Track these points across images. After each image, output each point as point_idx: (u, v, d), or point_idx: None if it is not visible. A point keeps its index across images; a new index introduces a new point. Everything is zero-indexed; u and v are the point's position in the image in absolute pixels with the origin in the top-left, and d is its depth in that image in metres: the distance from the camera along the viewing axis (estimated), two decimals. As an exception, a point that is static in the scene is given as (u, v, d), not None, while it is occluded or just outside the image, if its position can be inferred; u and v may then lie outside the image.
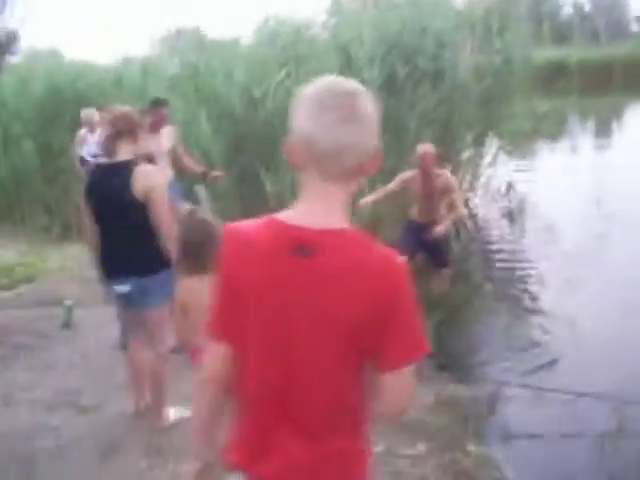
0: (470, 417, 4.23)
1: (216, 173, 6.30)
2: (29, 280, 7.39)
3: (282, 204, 7.36)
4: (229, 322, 1.51)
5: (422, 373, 4.11)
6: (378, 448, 3.48)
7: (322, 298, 1.39)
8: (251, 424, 1.53)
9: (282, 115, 8.03)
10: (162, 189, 3.51)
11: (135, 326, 3.76)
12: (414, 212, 6.27)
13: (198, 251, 2.92)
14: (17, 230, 10.96)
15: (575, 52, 29.11)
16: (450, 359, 5.00)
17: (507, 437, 4.09)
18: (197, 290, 2.95)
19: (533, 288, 6.76)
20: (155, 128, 5.49)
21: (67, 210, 11.14)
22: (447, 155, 9.20)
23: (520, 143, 11.24)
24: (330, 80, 1.43)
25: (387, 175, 7.20)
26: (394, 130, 7.27)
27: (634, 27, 51.61)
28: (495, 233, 9.23)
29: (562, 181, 11.45)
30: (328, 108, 1.37)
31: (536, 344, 5.36)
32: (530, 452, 3.92)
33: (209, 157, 7.47)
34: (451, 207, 6.02)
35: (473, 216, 9.67)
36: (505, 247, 8.41)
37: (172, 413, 3.86)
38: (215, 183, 6.44)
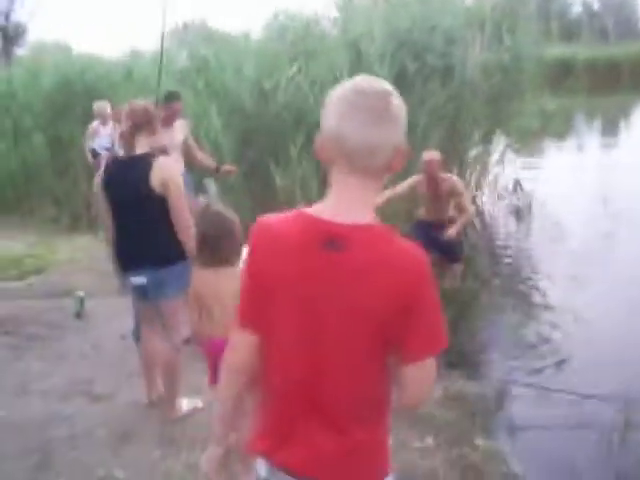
0: (478, 412, 4.27)
1: (228, 167, 6.33)
2: (39, 271, 7.45)
3: (291, 198, 7.45)
4: (257, 313, 1.55)
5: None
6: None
7: (351, 292, 1.43)
8: (277, 413, 1.57)
9: (292, 110, 8.10)
10: (179, 182, 3.55)
11: (149, 317, 3.80)
12: (422, 212, 6.35)
13: (215, 244, 2.95)
14: (26, 222, 11.02)
15: (583, 51, 29.05)
16: (458, 356, 5.04)
17: (514, 432, 4.12)
18: (211, 282, 2.99)
19: (540, 286, 6.80)
20: (168, 122, 5.51)
21: (76, 202, 11.23)
22: (455, 152, 9.25)
23: (528, 141, 11.24)
24: (361, 80, 1.47)
25: (398, 175, 7.26)
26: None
27: (643, 26, 51.46)
28: (502, 230, 9.26)
29: (569, 179, 11.49)
30: (359, 107, 1.41)
31: (543, 341, 5.39)
32: (537, 446, 3.95)
33: (219, 151, 7.50)
34: (461, 210, 6.08)
35: (480, 213, 9.70)
36: (512, 244, 8.44)
37: (185, 404, 3.91)
38: (227, 177, 6.48)
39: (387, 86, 1.46)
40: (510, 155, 10.49)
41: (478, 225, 9.06)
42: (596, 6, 55.88)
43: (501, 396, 4.47)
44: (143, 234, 3.57)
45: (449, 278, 6.29)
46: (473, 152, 9.84)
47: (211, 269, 2.98)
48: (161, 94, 5.40)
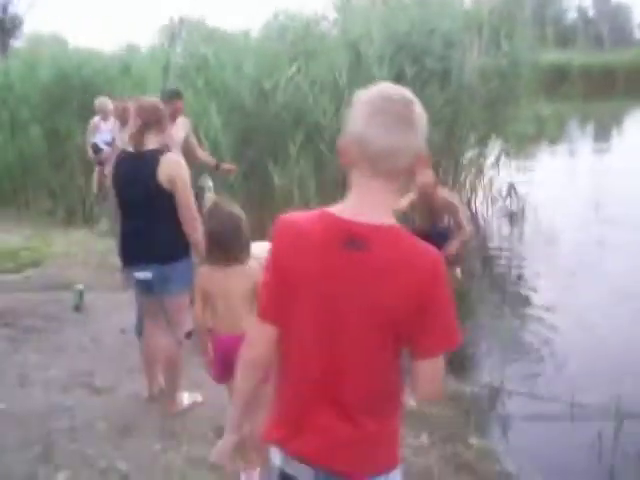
0: (472, 411, 4.36)
1: (228, 166, 6.39)
2: (35, 264, 7.46)
3: (289, 197, 7.51)
4: (278, 307, 1.61)
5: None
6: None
7: (372, 290, 1.49)
8: (292, 404, 1.63)
9: (291, 109, 8.16)
10: (186, 178, 3.59)
11: (153, 312, 3.85)
12: (418, 221, 6.41)
13: (224, 242, 2.99)
14: (21, 214, 11.04)
15: (578, 57, 29.22)
16: (453, 357, 5.11)
17: (507, 431, 4.21)
18: (217, 280, 3.04)
19: (532, 289, 6.90)
20: (170, 119, 5.56)
21: (72, 195, 11.25)
22: (451, 155, 9.34)
23: (523, 145, 11.34)
24: (385, 87, 1.53)
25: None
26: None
27: (637, 34, 51.74)
28: (495, 233, 9.35)
29: (563, 184, 11.62)
30: (383, 112, 1.47)
31: (535, 343, 5.49)
32: (530, 445, 4.03)
33: (219, 149, 7.55)
34: (458, 227, 6.13)
35: (474, 216, 9.80)
36: (505, 248, 8.53)
37: (185, 398, 3.97)
38: (227, 175, 6.53)
39: (410, 94, 1.52)
40: (505, 159, 10.58)
41: (471, 228, 9.12)
42: (591, 13, 56.21)
43: (495, 396, 4.56)
44: (149, 230, 3.62)
45: (451, 279, 6.35)
46: (469, 155, 9.93)
47: (220, 267, 3.02)
48: (165, 92, 5.44)
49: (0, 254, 7.79)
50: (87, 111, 11.22)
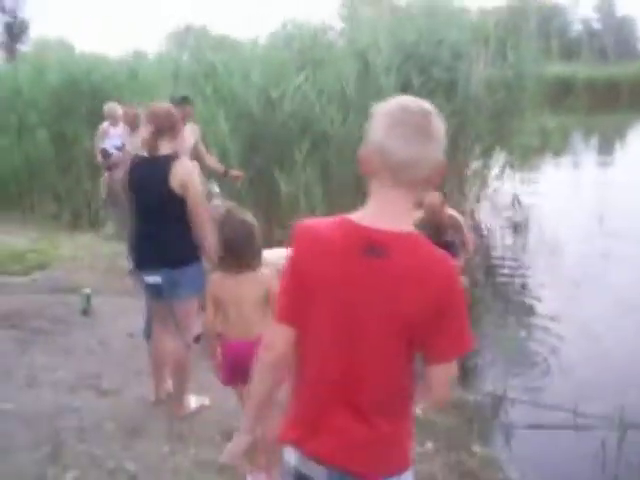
0: (475, 420, 4.40)
1: (236, 173, 6.45)
2: (42, 267, 7.51)
3: (296, 204, 7.56)
4: (297, 311, 1.65)
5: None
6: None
7: (391, 297, 1.54)
8: (309, 406, 1.67)
9: (298, 118, 8.22)
10: (198, 183, 3.63)
11: (162, 316, 3.89)
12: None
13: (236, 250, 3.03)
14: (26, 218, 11.11)
15: (583, 69, 29.31)
16: (457, 366, 5.15)
17: (510, 439, 4.24)
18: (229, 286, 3.07)
19: (536, 299, 6.94)
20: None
21: (77, 199, 11.32)
22: (456, 166, 9.39)
23: (528, 157, 11.40)
24: (404, 99, 1.58)
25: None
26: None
27: (642, 47, 51.93)
28: (499, 244, 9.39)
29: (567, 196, 11.66)
30: (403, 124, 1.52)
31: (538, 352, 5.52)
32: (533, 454, 4.07)
33: (226, 156, 7.60)
34: (462, 244, 6.18)
35: (478, 227, 9.85)
36: (509, 258, 8.57)
37: (193, 401, 4.00)
38: (235, 182, 6.59)
39: (429, 106, 1.57)
40: (509, 170, 10.63)
41: (475, 239, 9.16)
42: (596, 25, 56.37)
43: (498, 405, 4.59)
44: (160, 234, 3.66)
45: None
46: (473, 166, 9.98)
47: (232, 274, 3.06)
48: (175, 97, 5.50)
49: (7, 256, 7.84)
50: (95, 116, 11.30)
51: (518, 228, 9.90)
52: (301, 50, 9.67)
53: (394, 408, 1.64)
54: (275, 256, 3.67)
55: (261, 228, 3.21)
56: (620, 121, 25.02)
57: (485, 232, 9.86)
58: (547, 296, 6.92)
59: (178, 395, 3.96)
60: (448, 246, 6.02)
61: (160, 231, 3.66)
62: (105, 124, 7.08)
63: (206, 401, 4.06)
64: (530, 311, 6.63)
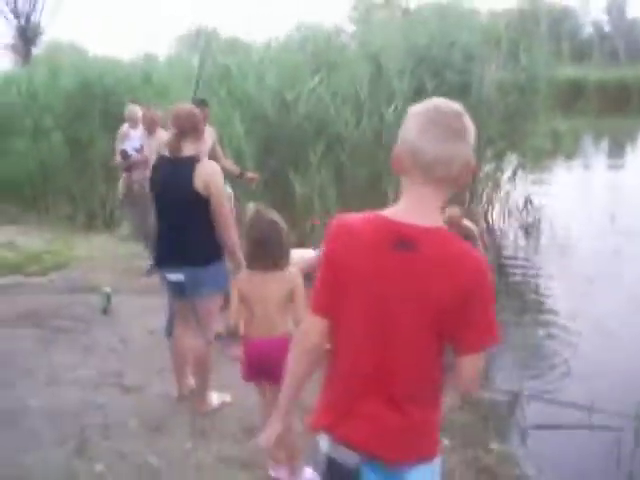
0: (491, 417, 4.45)
1: (251, 175, 6.53)
2: (58, 267, 7.61)
3: (310, 206, 7.61)
4: (330, 302, 1.72)
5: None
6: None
7: (421, 290, 1.60)
8: (341, 393, 1.74)
9: (313, 120, 8.30)
10: (221, 184, 3.69)
11: (184, 314, 3.96)
12: None
13: (265, 249, 3.08)
14: (41, 219, 11.22)
15: (594, 72, 29.25)
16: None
17: (526, 436, 4.28)
18: (256, 284, 3.14)
19: (549, 297, 6.99)
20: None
21: (92, 201, 11.43)
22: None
23: (540, 160, 11.43)
24: (437, 100, 1.65)
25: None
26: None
27: (652, 49, 51.70)
28: (512, 245, 9.44)
29: (578, 197, 11.72)
30: (435, 124, 1.59)
31: (553, 352, 5.57)
32: (548, 450, 4.10)
33: (241, 158, 7.68)
34: None
35: (490, 229, 9.90)
36: (521, 258, 8.62)
37: (215, 398, 4.07)
38: (250, 184, 6.67)
39: (460, 107, 1.64)
40: (521, 173, 10.66)
41: (488, 240, 9.21)
42: (606, 28, 56.24)
43: (514, 402, 4.63)
44: (183, 233, 3.73)
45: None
46: (486, 169, 10.01)
47: (259, 272, 3.13)
48: (193, 100, 5.58)
49: (24, 257, 7.97)
50: (109, 119, 11.45)
51: (530, 229, 9.94)
52: (315, 53, 9.74)
53: (425, 398, 1.71)
54: (296, 256, 3.74)
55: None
56: (631, 124, 24.98)
57: (498, 234, 9.90)
58: (561, 295, 6.97)
59: (200, 392, 4.03)
60: None
61: (183, 230, 3.73)
62: (125, 126, 7.17)
63: (227, 398, 4.13)
64: (544, 310, 6.68)
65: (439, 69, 8.92)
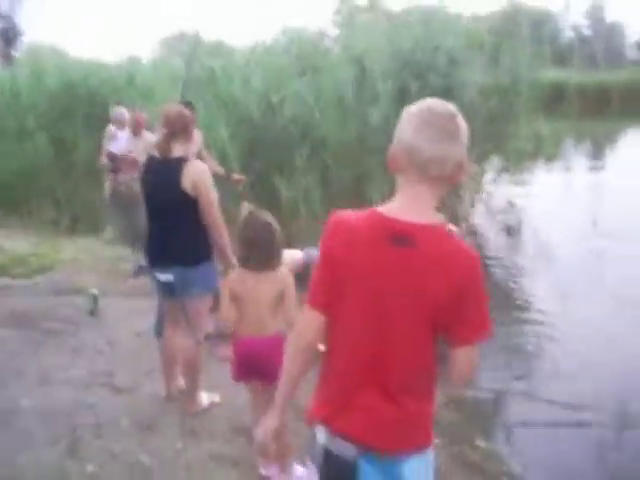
0: (477, 415, 4.53)
1: (238, 177, 6.57)
2: (44, 270, 7.59)
3: (295, 208, 7.63)
4: (328, 297, 1.77)
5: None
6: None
7: (417, 284, 1.67)
8: (338, 386, 1.80)
9: (299, 123, 8.35)
10: (209, 184, 3.71)
11: (173, 314, 4.00)
12: None
13: (257, 249, 3.13)
14: (25, 223, 11.13)
15: (574, 76, 29.54)
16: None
17: (511, 434, 4.35)
18: (248, 284, 3.17)
19: (531, 297, 7.10)
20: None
21: (76, 204, 11.38)
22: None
23: (522, 162, 11.55)
24: (431, 101, 1.71)
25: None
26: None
27: (631, 53, 52.30)
28: (493, 246, 9.55)
29: (560, 199, 11.89)
30: (431, 125, 1.66)
31: (536, 350, 5.68)
32: (533, 447, 4.19)
33: (226, 160, 7.70)
34: None
35: (472, 231, 9.99)
36: (503, 259, 8.72)
37: (204, 398, 4.11)
38: (237, 186, 6.71)
39: (453, 108, 1.70)
40: (503, 175, 10.78)
41: (470, 241, 9.31)
42: (586, 32, 56.76)
43: (498, 401, 4.72)
44: (173, 233, 3.77)
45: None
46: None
47: (252, 272, 3.17)
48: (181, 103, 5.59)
49: (9, 260, 7.93)
50: (93, 120, 11.43)
51: (512, 231, 10.05)
52: (300, 56, 9.79)
53: (420, 389, 1.77)
54: (286, 257, 3.79)
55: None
56: (611, 127, 25.33)
57: (480, 235, 10.00)
58: (543, 295, 7.09)
59: (190, 392, 4.06)
60: None
61: (173, 231, 3.76)
62: (112, 128, 7.18)
63: (217, 398, 4.17)
64: (527, 309, 6.79)
65: (423, 72, 8.99)
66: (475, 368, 1.80)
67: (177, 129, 3.73)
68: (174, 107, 3.95)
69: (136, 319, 5.61)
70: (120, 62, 16.80)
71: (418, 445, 1.79)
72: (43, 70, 13.08)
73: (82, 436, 3.77)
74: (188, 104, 5.95)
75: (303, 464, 3.36)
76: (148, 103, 9.87)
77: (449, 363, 1.77)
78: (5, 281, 7.03)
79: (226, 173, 6.42)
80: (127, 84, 12.58)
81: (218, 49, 11.45)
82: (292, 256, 4.62)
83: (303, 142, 8.01)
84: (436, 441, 3.99)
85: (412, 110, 1.71)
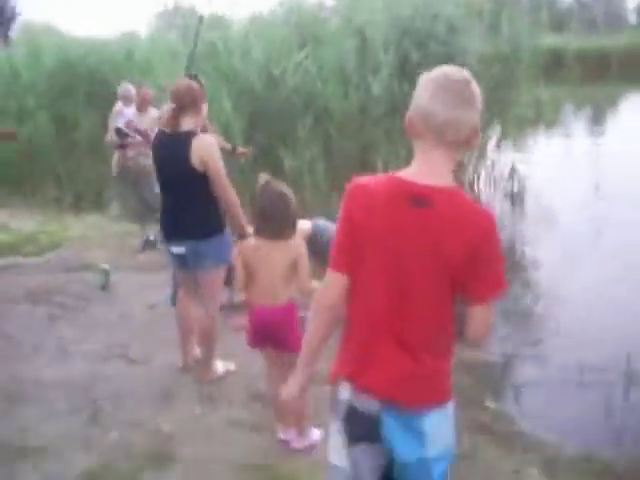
0: (486, 379, 4.62)
1: (242, 149, 6.60)
2: (54, 247, 7.67)
3: (299, 180, 7.67)
4: (349, 259, 1.84)
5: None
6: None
7: (435, 244, 1.73)
8: (360, 345, 1.87)
9: (301, 94, 8.36)
10: (217, 158, 3.73)
11: (188, 285, 4.08)
12: None
13: (272, 219, 3.18)
14: (29, 202, 11.17)
15: (573, 41, 29.30)
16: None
17: (520, 395, 4.45)
18: (263, 253, 3.24)
19: (537, 262, 7.18)
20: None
21: (79, 182, 11.42)
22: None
23: (523, 129, 11.56)
24: (448, 68, 1.77)
25: (402, 159, 7.55)
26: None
27: (631, 17, 51.83)
28: (497, 213, 9.59)
29: (561, 165, 11.91)
30: (447, 90, 1.71)
31: (542, 313, 5.79)
32: (542, 408, 4.28)
33: (229, 133, 7.73)
34: None
35: (477, 198, 10.04)
36: (507, 226, 8.78)
37: (220, 366, 4.20)
38: (243, 158, 6.74)
39: (468, 74, 1.76)
40: (506, 142, 10.79)
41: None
42: (585, -4, 56.15)
43: (507, 363, 4.81)
44: (184, 207, 3.82)
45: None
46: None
47: (267, 241, 3.23)
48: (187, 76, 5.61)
49: (19, 238, 8.02)
50: (94, 98, 11.43)
51: (516, 198, 10.10)
52: (299, 24, 9.75)
53: (438, 347, 1.85)
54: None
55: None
56: (611, 92, 25.19)
57: (484, 203, 10.04)
58: (548, 260, 7.14)
59: (205, 360, 4.15)
60: None
61: (184, 204, 3.81)
62: (119, 104, 7.20)
63: (232, 366, 4.25)
64: (532, 275, 6.87)
65: (423, 41, 8.97)
66: (490, 327, 1.87)
67: (186, 103, 3.75)
68: (183, 81, 3.97)
69: (148, 292, 5.70)
70: (118, 38, 16.73)
71: (437, 400, 1.87)
72: (40, 49, 13.02)
73: (102, 406, 3.87)
74: (194, 77, 5.97)
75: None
76: (147, 78, 9.88)
77: (465, 322, 1.84)
78: (16, 259, 7.11)
79: (233, 146, 6.45)
80: (126, 60, 12.55)
81: (218, 22, 11.35)
82: (300, 226, 4.68)
83: (306, 113, 8.03)
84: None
85: (428, 76, 1.77)
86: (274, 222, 3.19)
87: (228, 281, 4.17)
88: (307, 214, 6.38)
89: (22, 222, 9.04)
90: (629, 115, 19.49)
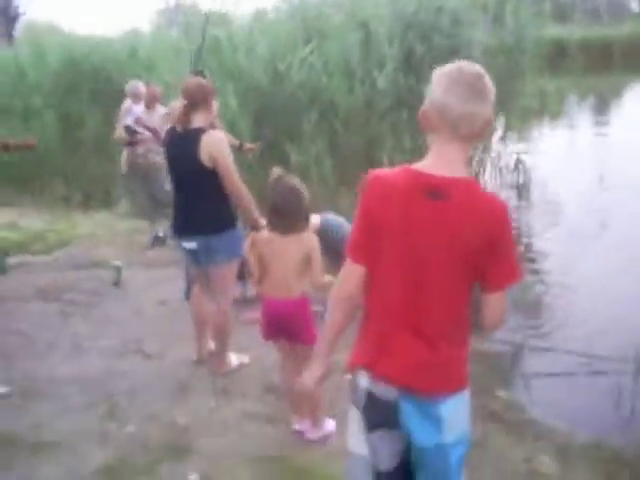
0: (496, 367, 4.67)
1: (249, 145, 6.64)
2: (63, 245, 7.72)
3: (306, 174, 7.68)
4: (367, 250, 1.89)
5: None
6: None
7: (452, 236, 1.77)
8: (377, 334, 1.92)
9: (307, 89, 8.37)
10: (227, 154, 3.77)
11: (201, 280, 4.13)
12: None
13: (286, 213, 3.23)
14: (37, 201, 11.24)
15: (577, 31, 29.21)
16: (476, 318, 5.41)
17: (530, 384, 4.48)
18: (275, 246, 3.28)
19: (544, 253, 7.21)
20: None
21: (86, 180, 11.48)
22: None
23: (528, 120, 11.57)
24: (462, 63, 1.81)
25: (407, 152, 7.57)
26: (413, 107, 7.58)
27: (634, 6, 51.55)
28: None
29: (567, 156, 11.93)
30: (460, 84, 1.76)
31: (551, 302, 5.83)
32: (552, 397, 4.32)
33: (236, 130, 7.75)
34: None
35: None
36: (514, 217, 8.80)
37: (234, 359, 4.25)
38: (250, 154, 6.78)
39: (481, 69, 1.80)
40: (511, 133, 10.80)
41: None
42: (588, -15, 55.88)
43: (517, 353, 4.85)
44: (195, 203, 3.87)
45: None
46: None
47: (279, 235, 3.27)
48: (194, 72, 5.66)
49: (28, 237, 8.08)
50: (99, 96, 11.48)
51: (521, 189, 10.12)
52: (304, 19, 9.75)
53: (454, 335, 1.89)
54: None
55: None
56: (614, 82, 25.14)
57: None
58: (556, 250, 7.17)
59: (219, 353, 4.20)
60: None
61: (195, 201, 3.86)
62: (127, 102, 7.24)
63: (246, 359, 4.31)
64: (540, 265, 6.89)
65: (427, 34, 8.97)
66: (505, 314, 1.92)
67: (197, 100, 3.80)
68: (194, 78, 4.02)
69: (159, 288, 5.77)
70: (121, 36, 16.78)
71: (454, 387, 1.92)
72: (44, 48, 13.08)
73: (118, 401, 3.93)
74: (200, 73, 6.01)
75: (333, 418, 3.51)
76: (151, 75, 9.91)
77: (481, 310, 1.88)
78: (25, 258, 7.17)
79: (240, 143, 6.50)
80: (130, 57, 12.60)
81: (222, 18, 11.35)
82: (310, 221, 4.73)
83: (311, 108, 8.05)
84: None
85: (442, 71, 1.81)
86: (287, 216, 3.23)
87: (241, 275, 4.21)
88: (315, 208, 6.44)
89: (30, 221, 9.10)
90: (633, 105, 19.47)
